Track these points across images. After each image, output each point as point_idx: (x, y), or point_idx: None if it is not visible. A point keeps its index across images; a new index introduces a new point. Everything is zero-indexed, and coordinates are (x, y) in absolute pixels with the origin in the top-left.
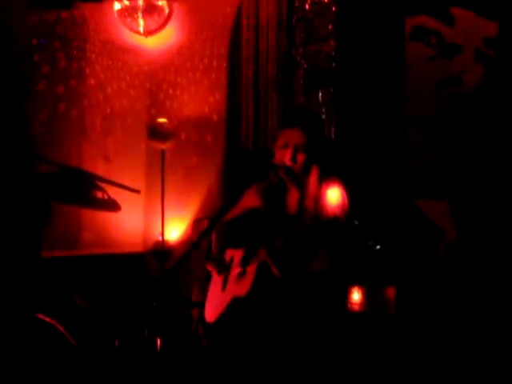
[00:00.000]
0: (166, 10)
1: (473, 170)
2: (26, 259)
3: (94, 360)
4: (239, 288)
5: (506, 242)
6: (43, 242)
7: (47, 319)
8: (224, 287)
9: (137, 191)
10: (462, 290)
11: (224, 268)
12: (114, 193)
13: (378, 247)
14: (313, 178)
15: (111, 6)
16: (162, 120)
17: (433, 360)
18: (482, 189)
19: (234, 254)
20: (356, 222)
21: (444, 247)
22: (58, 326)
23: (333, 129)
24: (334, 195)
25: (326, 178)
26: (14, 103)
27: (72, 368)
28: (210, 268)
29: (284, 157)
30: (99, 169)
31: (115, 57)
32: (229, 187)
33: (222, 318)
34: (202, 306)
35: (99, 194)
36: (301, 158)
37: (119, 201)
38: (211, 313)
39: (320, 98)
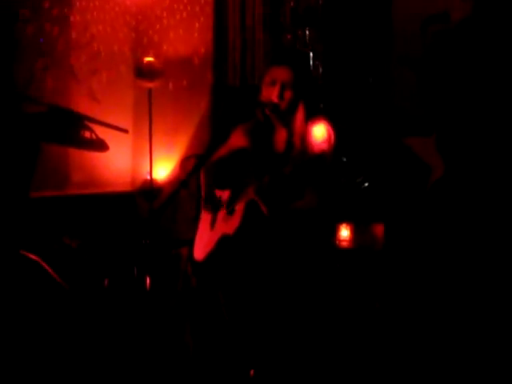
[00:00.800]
0: None
1: (459, 107)
2: (14, 199)
3: (80, 298)
4: (228, 226)
5: (492, 178)
6: (31, 182)
7: (31, 256)
8: (213, 226)
9: (125, 131)
10: (450, 225)
11: (215, 206)
12: (102, 132)
13: (367, 184)
14: (299, 115)
15: None
16: (149, 59)
17: (421, 296)
18: (469, 125)
19: (223, 193)
20: (344, 159)
21: (431, 184)
22: (42, 263)
23: (320, 67)
24: (319, 132)
25: (312, 115)
26: None
27: (57, 305)
28: (205, 210)
29: (271, 94)
30: (87, 109)
31: None
32: (216, 125)
33: (211, 256)
34: (190, 244)
35: (87, 134)
36: (288, 95)
37: (107, 140)
38: (200, 251)
39: (307, 36)
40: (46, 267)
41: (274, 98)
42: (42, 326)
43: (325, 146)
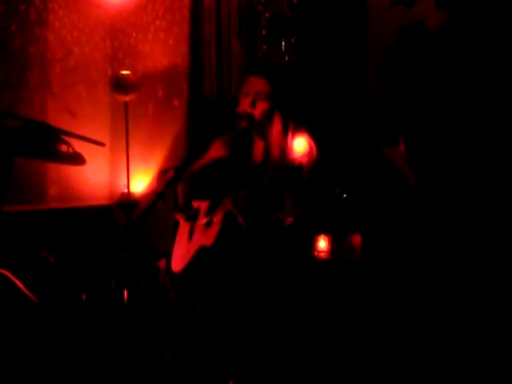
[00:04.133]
0: None
1: (427, 115)
2: None
3: (57, 312)
4: (205, 238)
5: (463, 184)
6: (4, 196)
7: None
8: (190, 237)
9: (102, 144)
10: (426, 233)
11: (192, 217)
12: (78, 146)
13: (345, 195)
14: (276, 126)
15: None
16: (124, 72)
17: (399, 305)
18: (437, 132)
19: (200, 205)
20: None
21: (407, 192)
22: (10, 276)
23: (296, 78)
24: (300, 144)
25: (292, 127)
26: None
27: (25, 319)
28: (178, 218)
29: (245, 104)
30: (63, 122)
31: (76, 9)
32: (193, 138)
33: (189, 267)
34: (168, 256)
35: (64, 148)
36: (261, 105)
37: (84, 154)
38: (178, 263)
39: (282, 47)
40: (16, 281)
41: (247, 108)
42: (10, 340)
43: (305, 159)
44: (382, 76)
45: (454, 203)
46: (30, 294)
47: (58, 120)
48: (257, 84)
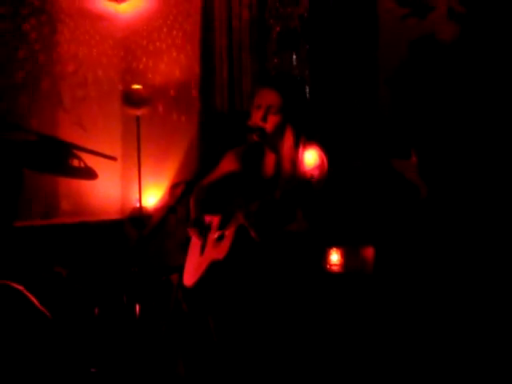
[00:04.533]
0: None
1: (439, 129)
2: None
3: (69, 327)
4: (217, 252)
5: (476, 196)
6: (17, 210)
7: (14, 285)
8: (202, 251)
9: (113, 158)
10: (439, 245)
11: (204, 231)
12: (90, 161)
13: (357, 209)
14: (287, 139)
15: None
16: (136, 86)
17: (412, 317)
18: (449, 146)
19: (212, 219)
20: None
21: (418, 205)
22: (25, 292)
23: (307, 91)
24: (311, 157)
25: (303, 140)
26: None
27: (40, 335)
28: (191, 232)
29: (257, 117)
30: (75, 137)
31: (88, 24)
32: (205, 151)
33: (201, 282)
34: (180, 270)
35: (76, 163)
36: (273, 118)
37: (96, 169)
38: (190, 277)
39: (294, 60)
40: (30, 296)
41: (258, 121)
42: (25, 355)
43: (317, 172)
44: (393, 88)
45: (467, 216)
46: (44, 310)
47: (70, 134)
48: (268, 97)
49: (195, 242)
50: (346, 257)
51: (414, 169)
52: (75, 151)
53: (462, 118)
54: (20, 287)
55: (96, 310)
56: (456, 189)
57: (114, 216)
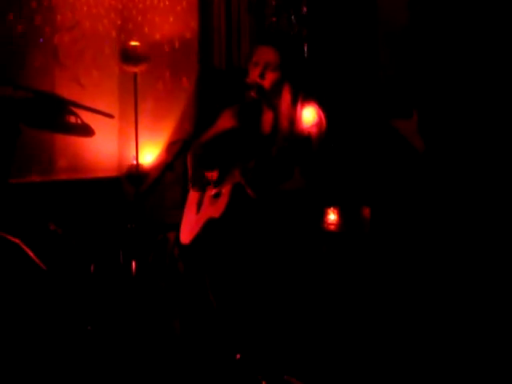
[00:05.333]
0: None
1: (442, 86)
2: None
3: (66, 283)
4: (214, 209)
5: (476, 161)
6: (11, 167)
7: (10, 238)
8: (199, 209)
9: (110, 116)
10: (434, 206)
11: (204, 186)
12: (87, 118)
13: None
14: (285, 96)
15: None
16: (134, 43)
17: (408, 279)
18: (452, 106)
19: (210, 175)
20: (332, 144)
21: (416, 166)
22: (22, 245)
23: (305, 49)
24: (309, 114)
25: (301, 97)
26: None
27: (37, 289)
28: (190, 187)
29: (255, 74)
30: (72, 94)
31: None
32: (203, 108)
33: (197, 239)
34: (177, 228)
35: (72, 119)
36: (271, 75)
37: (93, 125)
38: (186, 235)
39: (292, 18)
40: (26, 249)
41: (256, 78)
42: (21, 309)
43: (314, 129)
44: (393, 47)
45: (465, 179)
46: (40, 263)
47: (67, 91)
48: (266, 54)
49: (192, 200)
50: (343, 216)
51: (414, 128)
52: (72, 108)
53: (462, 78)
54: (17, 240)
55: (92, 267)
56: (454, 149)
57: (111, 173)
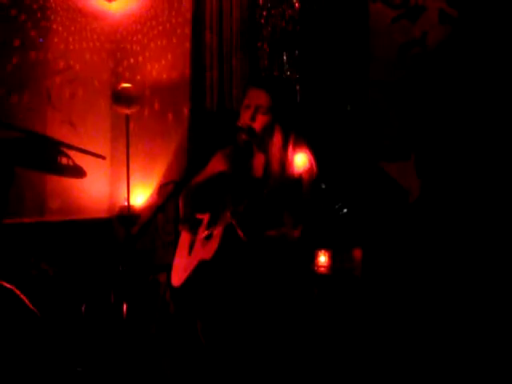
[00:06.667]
0: None
1: (439, 128)
2: None
3: (55, 326)
4: (205, 251)
5: (472, 198)
6: (5, 208)
7: (4, 284)
8: (190, 251)
9: (102, 157)
10: (427, 248)
11: (196, 228)
12: (79, 159)
13: (345, 210)
14: (276, 140)
15: None
16: (126, 85)
17: (400, 319)
18: (449, 146)
19: (202, 217)
20: (323, 186)
21: (408, 207)
22: (16, 291)
23: (297, 92)
24: (300, 158)
25: (292, 141)
26: None
27: (30, 334)
28: (182, 229)
29: (246, 117)
30: (64, 135)
31: (79, 22)
32: (194, 151)
33: (189, 281)
34: (168, 270)
35: (64, 161)
36: (261, 118)
37: (84, 167)
38: (178, 277)
39: (284, 61)
40: (21, 295)
41: (247, 121)
42: (15, 354)
43: (305, 174)
44: (384, 91)
45: (458, 218)
46: (34, 309)
47: (59, 132)
48: (257, 97)
49: (183, 242)
50: (334, 259)
51: (411, 170)
52: (64, 149)
53: (455, 119)
54: (11, 286)
55: (83, 308)
56: (447, 191)
57: (102, 214)
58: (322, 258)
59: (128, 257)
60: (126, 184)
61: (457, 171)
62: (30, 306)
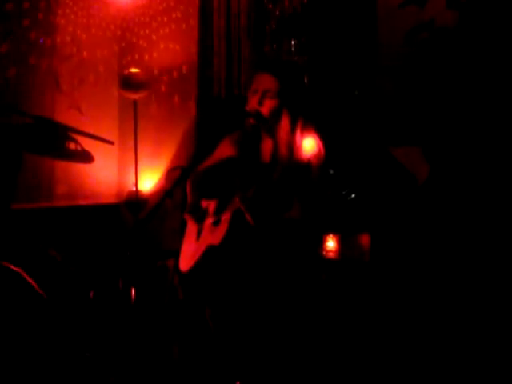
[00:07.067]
0: None
1: (447, 113)
2: None
3: (65, 310)
4: (213, 237)
5: (480, 184)
6: (14, 193)
7: (12, 267)
8: (198, 237)
9: (110, 142)
10: (436, 233)
11: (201, 217)
12: (87, 144)
13: (353, 196)
14: (284, 124)
15: None
16: (134, 70)
17: (407, 305)
18: (458, 131)
19: (209, 204)
20: (331, 171)
21: (415, 192)
22: (23, 274)
23: (305, 77)
24: (308, 143)
25: (300, 125)
26: None
27: (38, 316)
28: (187, 218)
29: (253, 102)
30: (72, 120)
31: (86, 6)
32: (202, 136)
33: (197, 267)
34: (176, 255)
35: (72, 146)
36: (269, 103)
37: (93, 152)
38: (186, 262)
39: (292, 46)
40: (28, 279)
41: (255, 105)
42: (22, 338)
43: (313, 158)
44: (392, 76)
45: (464, 203)
46: (41, 292)
47: (67, 117)
48: (265, 81)
49: (191, 227)
50: (342, 243)
51: (419, 156)
52: (72, 134)
53: (460, 105)
54: (18, 269)
55: (91, 294)
56: (454, 176)
57: (110, 200)
58: (331, 243)
59: (136, 242)
60: (134, 169)
61: (465, 155)
62: (38, 290)
